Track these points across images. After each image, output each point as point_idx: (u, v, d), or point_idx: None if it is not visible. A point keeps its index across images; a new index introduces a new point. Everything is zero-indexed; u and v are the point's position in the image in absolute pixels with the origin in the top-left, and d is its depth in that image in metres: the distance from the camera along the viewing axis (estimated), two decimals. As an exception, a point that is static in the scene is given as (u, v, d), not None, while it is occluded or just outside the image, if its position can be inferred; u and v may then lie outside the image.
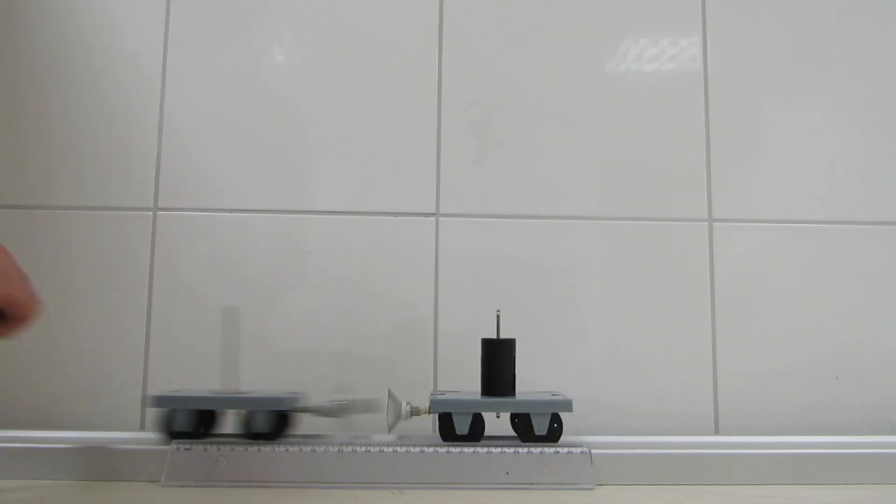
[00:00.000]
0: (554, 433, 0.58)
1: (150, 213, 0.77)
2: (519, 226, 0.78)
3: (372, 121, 0.79)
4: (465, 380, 0.73)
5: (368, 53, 0.80)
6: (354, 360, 0.75)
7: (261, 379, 0.73)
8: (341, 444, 0.56)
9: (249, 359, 0.74)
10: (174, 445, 0.56)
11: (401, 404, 0.60)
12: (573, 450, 0.56)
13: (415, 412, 0.60)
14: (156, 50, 0.79)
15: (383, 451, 0.55)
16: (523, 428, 0.59)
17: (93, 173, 0.77)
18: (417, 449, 0.55)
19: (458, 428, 0.59)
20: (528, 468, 0.55)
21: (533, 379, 0.72)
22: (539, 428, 0.58)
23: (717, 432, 0.76)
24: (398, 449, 0.55)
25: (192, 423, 0.58)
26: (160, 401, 0.59)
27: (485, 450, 0.56)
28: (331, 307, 0.76)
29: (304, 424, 0.62)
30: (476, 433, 0.59)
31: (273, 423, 0.59)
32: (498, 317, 0.62)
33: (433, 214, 0.78)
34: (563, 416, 0.59)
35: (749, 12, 0.82)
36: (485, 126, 0.80)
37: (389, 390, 0.60)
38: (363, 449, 0.55)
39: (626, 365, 0.77)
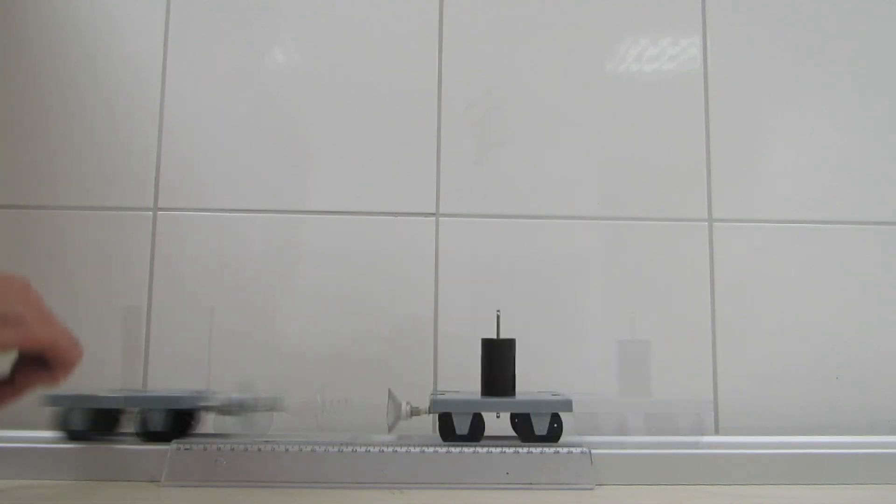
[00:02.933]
0: (554, 433, 0.58)
1: (150, 213, 0.77)
2: (519, 226, 0.78)
3: (372, 121, 0.79)
4: (467, 380, 0.73)
5: (368, 53, 0.80)
6: (354, 361, 0.75)
7: (261, 379, 0.73)
8: (341, 444, 0.56)
9: (250, 359, 0.75)
10: (174, 445, 0.55)
11: (401, 404, 0.60)
12: (573, 450, 0.56)
13: (415, 412, 0.60)
14: (156, 50, 0.79)
15: (383, 451, 0.55)
16: (523, 428, 0.59)
17: (93, 173, 0.77)
18: (417, 449, 0.55)
19: (457, 428, 0.59)
20: (528, 468, 0.55)
21: (533, 379, 0.72)
22: (539, 428, 0.58)
23: (717, 432, 0.76)
24: (398, 449, 0.55)
25: (90, 422, 0.58)
26: (55, 400, 0.58)
27: (485, 450, 0.55)
28: (331, 307, 0.76)
29: (208, 424, 0.62)
30: (476, 433, 0.59)
31: (171, 422, 0.58)
32: (498, 317, 0.62)
33: (433, 214, 0.78)
34: (564, 416, 0.59)
35: (749, 12, 0.82)
36: (485, 126, 0.80)
37: (389, 390, 0.60)
38: (363, 449, 0.55)
39: (626, 365, 0.77)
